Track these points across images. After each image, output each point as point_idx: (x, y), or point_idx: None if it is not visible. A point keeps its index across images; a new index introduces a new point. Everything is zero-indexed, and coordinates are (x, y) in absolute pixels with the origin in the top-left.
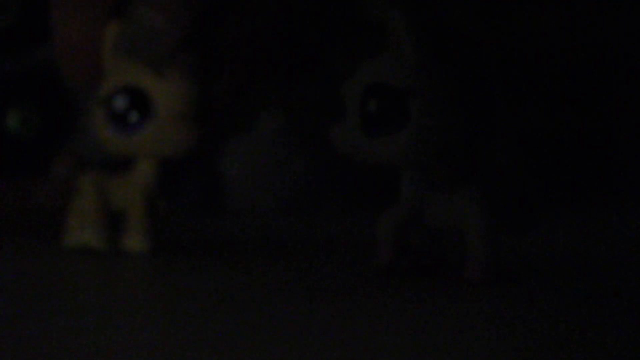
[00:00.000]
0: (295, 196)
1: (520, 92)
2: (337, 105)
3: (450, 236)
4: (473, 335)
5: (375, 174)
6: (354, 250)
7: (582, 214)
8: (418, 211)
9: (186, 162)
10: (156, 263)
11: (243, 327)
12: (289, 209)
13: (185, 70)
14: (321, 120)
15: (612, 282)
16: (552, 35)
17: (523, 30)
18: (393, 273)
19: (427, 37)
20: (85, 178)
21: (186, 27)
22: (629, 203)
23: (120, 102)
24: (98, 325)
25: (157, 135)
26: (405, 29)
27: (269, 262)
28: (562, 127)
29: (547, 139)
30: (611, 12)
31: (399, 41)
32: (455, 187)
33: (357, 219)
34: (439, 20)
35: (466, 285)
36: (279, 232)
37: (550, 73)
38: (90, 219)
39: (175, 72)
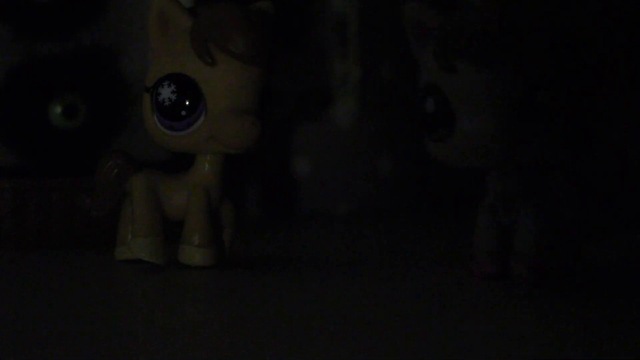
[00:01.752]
0: (379, 199)
1: None
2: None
3: None
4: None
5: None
6: (443, 261)
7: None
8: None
9: (249, 161)
10: (219, 278)
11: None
12: (371, 214)
13: (247, 56)
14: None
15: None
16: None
17: None
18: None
19: None
20: (136, 180)
21: None
22: None
23: (167, 93)
24: (155, 352)
25: (211, 131)
26: None
27: (343, 276)
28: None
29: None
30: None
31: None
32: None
33: (448, 224)
34: None
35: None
36: (358, 240)
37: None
38: (142, 228)
39: (231, 59)
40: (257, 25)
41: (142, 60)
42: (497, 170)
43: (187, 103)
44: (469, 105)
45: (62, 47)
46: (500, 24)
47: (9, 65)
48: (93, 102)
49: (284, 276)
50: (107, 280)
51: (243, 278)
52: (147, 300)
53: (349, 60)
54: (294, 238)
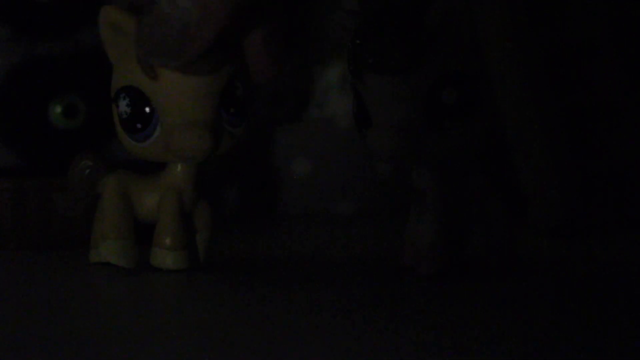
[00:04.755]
0: (379, 199)
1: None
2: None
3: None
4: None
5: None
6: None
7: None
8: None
9: (226, 160)
10: (192, 283)
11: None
12: (371, 214)
13: (187, 67)
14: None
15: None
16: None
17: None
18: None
19: None
20: (107, 181)
21: (223, 20)
22: None
23: (123, 106)
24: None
25: (165, 142)
26: None
27: (338, 277)
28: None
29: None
30: None
31: None
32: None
33: None
34: None
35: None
36: (358, 241)
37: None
38: (111, 230)
39: (174, 72)
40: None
41: None
42: (414, 167)
43: (141, 116)
44: (376, 106)
45: (62, 47)
46: (407, 35)
47: (9, 65)
48: (93, 102)
49: (272, 278)
50: (92, 281)
51: (221, 280)
52: (119, 304)
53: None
54: (294, 238)
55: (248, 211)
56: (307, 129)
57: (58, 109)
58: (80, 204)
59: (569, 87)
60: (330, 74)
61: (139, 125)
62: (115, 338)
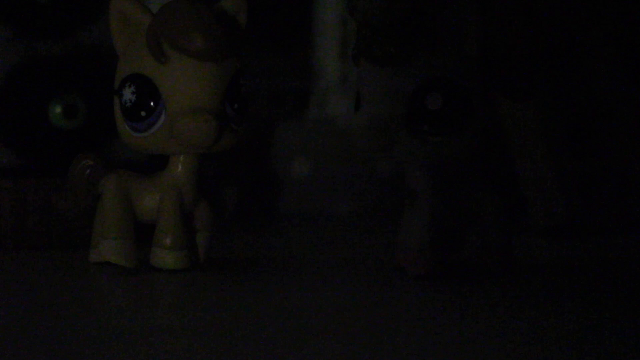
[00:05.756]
0: (379, 199)
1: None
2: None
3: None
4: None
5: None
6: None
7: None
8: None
9: (227, 160)
10: (192, 283)
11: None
12: (371, 214)
13: (199, 53)
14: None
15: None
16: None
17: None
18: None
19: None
20: (107, 181)
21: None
22: None
23: (128, 94)
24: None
25: (170, 130)
26: None
27: (337, 276)
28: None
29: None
30: None
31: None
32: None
33: None
34: None
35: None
36: (358, 241)
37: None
38: (111, 230)
39: (184, 57)
40: (211, 23)
41: None
42: (407, 168)
43: (146, 103)
44: (363, 95)
45: (62, 47)
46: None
47: (9, 65)
48: (93, 102)
49: (271, 278)
50: (92, 282)
51: (221, 280)
52: (119, 304)
53: (348, 60)
54: (293, 238)
55: (248, 211)
56: (307, 129)
57: (58, 109)
58: (81, 203)
59: (569, 88)
60: (330, 74)
61: (143, 113)
62: (115, 338)
